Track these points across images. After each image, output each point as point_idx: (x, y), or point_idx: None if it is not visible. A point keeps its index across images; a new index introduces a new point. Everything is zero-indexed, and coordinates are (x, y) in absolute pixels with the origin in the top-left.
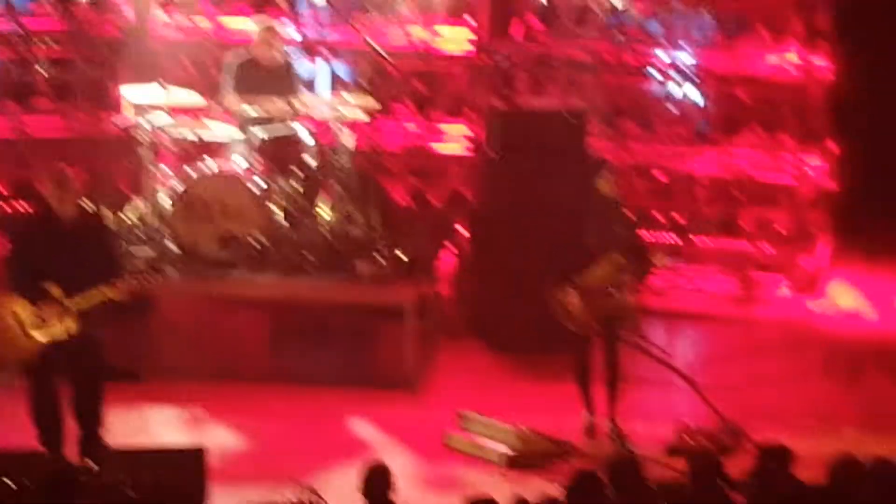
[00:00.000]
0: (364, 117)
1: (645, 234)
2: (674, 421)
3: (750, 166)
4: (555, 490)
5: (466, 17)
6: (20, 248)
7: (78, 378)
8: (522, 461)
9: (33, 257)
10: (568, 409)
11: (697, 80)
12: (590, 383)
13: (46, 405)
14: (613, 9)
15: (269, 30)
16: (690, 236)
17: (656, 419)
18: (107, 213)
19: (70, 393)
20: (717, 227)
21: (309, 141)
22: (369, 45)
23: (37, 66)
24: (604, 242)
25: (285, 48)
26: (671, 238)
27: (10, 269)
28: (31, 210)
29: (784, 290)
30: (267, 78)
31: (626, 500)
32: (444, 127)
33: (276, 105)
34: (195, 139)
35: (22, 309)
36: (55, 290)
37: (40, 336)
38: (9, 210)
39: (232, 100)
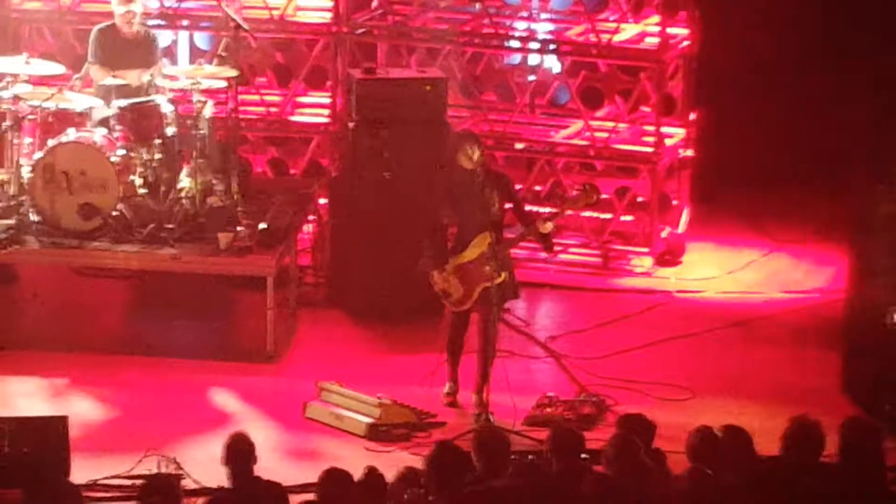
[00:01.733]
0: (223, 86)
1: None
2: (537, 393)
3: (610, 136)
4: (416, 461)
5: None
6: None
7: None
8: (384, 431)
9: None
10: (432, 380)
11: (555, 50)
12: (460, 355)
13: None
14: None
15: (128, 11)
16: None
17: (520, 391)
18: None
19: None
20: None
21: (168, 110)
22: (228, 15)
23: None
24: (476, 219)
25: (146, 20)
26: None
27: None
28: None
29: (644, 259)
30: (127, 47)
31: (489, 471)
32: (304, 97)
33: (136, 74)
34: (55, 109)
35: None
36: None
37: None
38: None
39: (94, 69)
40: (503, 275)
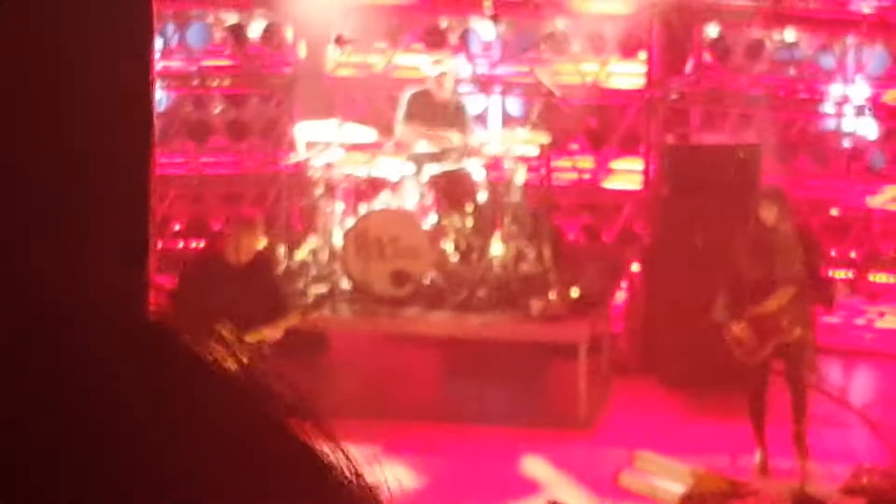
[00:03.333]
0: (535, 153)
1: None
2: (852, 461)
3: None
4: None
5: (640, 53)
6: (190, 285)
7: None
8: (697, 502)
9: (202, 294)
10: (743, 448)
11: (871, 114)
12: (764, 420)
13: None
14: (786, 43)
15: (442, 73)
16: (866, 273)
17: (835, 459)
18: (280, 251)
19: None
20: (893, 263)
21: (480, 176)
22: (541, 81)
23: (212, 105)
24: (775, 274)
25: (458, 86)
26: (847, 275)
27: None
28: (202, 247)
29: None
30: (438, 112)
31: None
32: (616, 163)
33: (448, 139)
34: (367, 176)
35: None
36: (227, 329)
37: None
38: (182, 246)
39: (405, 131)
40: (798, 330)
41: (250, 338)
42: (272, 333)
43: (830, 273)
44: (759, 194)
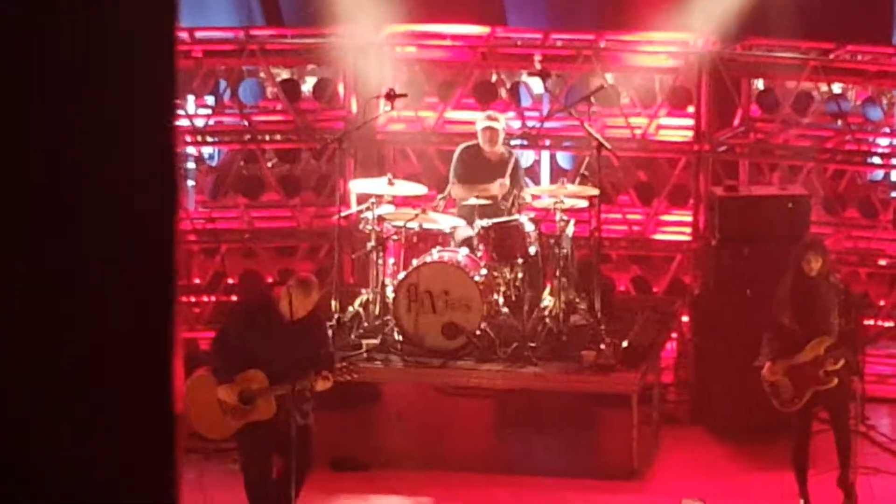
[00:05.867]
0: (585, 205)
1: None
2: None
3: None
4: None
5: (689, 106)
6: (232, 333)
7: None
8: None
9: (244, 344)
10: (791, 497)
11: None
12: (807, 470)
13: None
14: (833, 95)
15: (490, 128)
16: None
17: None
18: (332, 304)
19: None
20: None
21: (530, 229)
22: (591, 134)
23: (264, 160)
24: (814, 324)
25: (508, 140)
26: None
27: (217, 352)
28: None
29: None
30: (488, 166)
31: None
32: (665, 215)
33: (496, 185)
34: (418, 229)
35: (227, 395)
36: (260, 378)
37: (236, 422)
38: (236, 300)
39: (456, 185)
40: (835, 380)
41: (300, 385)
42: (322, 385)
43: (879, 323)
44: (802, 245)
